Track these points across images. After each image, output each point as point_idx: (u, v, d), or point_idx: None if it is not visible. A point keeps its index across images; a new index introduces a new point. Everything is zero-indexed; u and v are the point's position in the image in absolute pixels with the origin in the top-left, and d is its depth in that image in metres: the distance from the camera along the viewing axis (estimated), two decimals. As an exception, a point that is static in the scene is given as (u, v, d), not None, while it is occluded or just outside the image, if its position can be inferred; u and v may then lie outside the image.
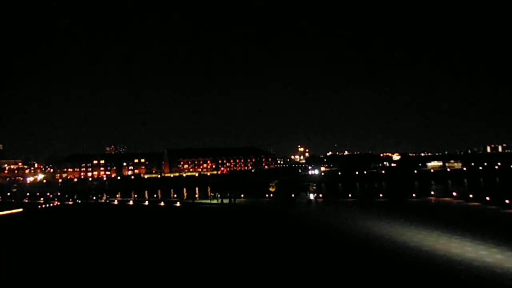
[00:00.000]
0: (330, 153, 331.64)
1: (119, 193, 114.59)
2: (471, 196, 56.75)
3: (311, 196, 73.74)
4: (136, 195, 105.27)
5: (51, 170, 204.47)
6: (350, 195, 69.05)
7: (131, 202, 77.89)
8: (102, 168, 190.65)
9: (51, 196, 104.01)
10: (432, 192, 68.30)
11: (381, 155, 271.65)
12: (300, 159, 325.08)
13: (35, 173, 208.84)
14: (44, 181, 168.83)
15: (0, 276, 26.56)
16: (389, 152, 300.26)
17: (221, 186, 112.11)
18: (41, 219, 60.06)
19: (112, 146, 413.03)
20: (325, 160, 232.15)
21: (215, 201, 66.61)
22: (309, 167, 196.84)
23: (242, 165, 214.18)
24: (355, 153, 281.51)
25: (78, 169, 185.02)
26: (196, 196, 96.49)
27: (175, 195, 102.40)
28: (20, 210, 70.08)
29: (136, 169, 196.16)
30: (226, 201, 65.71)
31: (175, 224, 47.82)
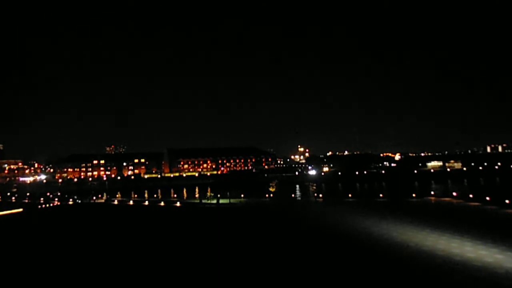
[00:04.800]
0: (330, 153, 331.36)
1: (119, 193, 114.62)
2: (471, 196, 56.83)
3: (311, 196, 73.87)
4: (136, 195, 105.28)
5: (51, 170, 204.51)
6: (350, 195, 69.10)
7: (131, 202, 77.92)
8: (102, 168, 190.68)
9: (51, 196, 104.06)
10: (432, 192, 68.38)
11: (381, 155, 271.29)
12: (300, 159, 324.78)
13: (35, 173, 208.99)
14: (44, 181, 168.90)
15: (0, 276, 26.57)
16: (389, 152, 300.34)
17: (221, 186, 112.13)
18: (41, 219, 60.07)
19: (112, 146, 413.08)
20: (325, 160, 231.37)
21: (215, 201, 66.70)
22: (309, 167, 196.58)
23: (242, 165, 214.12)
24: (355, 153, 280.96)
25: (78, 169, 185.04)
26: (196, 196, 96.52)
27: (175, 195, 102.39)
28: (20, 210, 70.13)
29: (136, 169, 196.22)
30: (226, 201, 65.82)
31: (175, 224, 47.84)
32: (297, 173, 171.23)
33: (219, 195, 70.32)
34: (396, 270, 23.08)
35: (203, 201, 70.37)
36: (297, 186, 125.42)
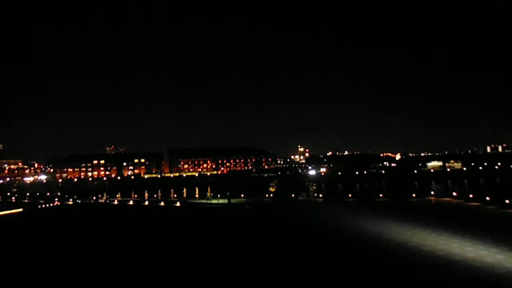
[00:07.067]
0: (330, 153, 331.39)
1: (119, 193, 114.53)
2: (471, 196, 56.86)
3: (311, 196, 73.82)
4: (136, 195, 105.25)
5: (51, 170, 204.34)
6: (350, 195, 69.09)
7: (131, 202, 77.93)
8: (102, 168, 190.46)
9: (51, 196, 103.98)
10: (432, 192, 68.39)
11: (381, 155, 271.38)
12: (300, 159, 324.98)
13: (35, 173, 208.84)
14: (44, 181, 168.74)
15: (1, 276, 26.55)
16: (389, 152, 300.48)
17: (221, 186, 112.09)
18: (41, 219, 60.04)
19: (112, 146, 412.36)
20: (325, 160, 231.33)
21: (215, 201, 66.73)
22: (309, 167, 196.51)
23: (242, 165, 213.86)
24: (355, 153, 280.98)
25: (78, 169, 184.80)
26: (196, 196, 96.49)
27: (175, 195, 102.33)
28: (20, 210, 70.12)
29: (136, 169, 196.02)
30: (225, 201, 65.80)
31: (175, 224, 47.81)
32: (280, 172, 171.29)
33: (218, 195, 70.35)
34: (396, 270, 23.08)
35: (203, 201, 70.29)
36: (297, 186, 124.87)
